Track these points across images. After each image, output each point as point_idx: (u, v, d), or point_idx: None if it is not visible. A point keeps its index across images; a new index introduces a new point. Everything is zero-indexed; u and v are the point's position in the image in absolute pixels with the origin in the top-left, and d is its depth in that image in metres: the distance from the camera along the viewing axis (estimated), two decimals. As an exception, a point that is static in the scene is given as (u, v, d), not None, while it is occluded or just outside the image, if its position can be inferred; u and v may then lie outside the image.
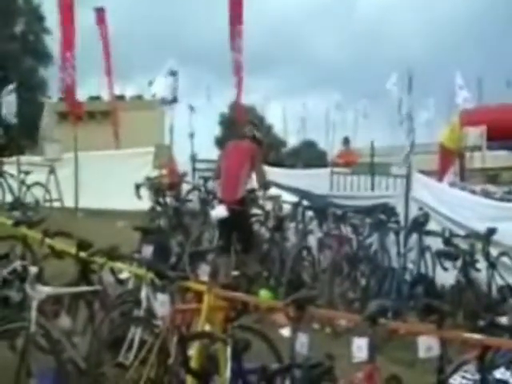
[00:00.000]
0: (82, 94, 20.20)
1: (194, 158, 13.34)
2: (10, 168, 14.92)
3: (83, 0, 15.95)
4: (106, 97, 19.48)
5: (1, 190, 14.23)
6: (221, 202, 8.70)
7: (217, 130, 36.21)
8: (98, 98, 25.50)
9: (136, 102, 34.62)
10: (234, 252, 8.67)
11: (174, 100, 14.77)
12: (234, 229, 8.53)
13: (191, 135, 14.07)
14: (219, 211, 8.54)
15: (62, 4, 15.02)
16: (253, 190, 9.18)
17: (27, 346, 5.14)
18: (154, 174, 12.28)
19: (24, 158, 16.31)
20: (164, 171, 12.57)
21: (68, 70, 15.25)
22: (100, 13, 16.38)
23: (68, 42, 15.14)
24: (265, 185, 9.07)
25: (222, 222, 8.58)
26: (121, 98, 26.23)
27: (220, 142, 33.60)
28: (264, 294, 7.98)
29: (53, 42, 28.79)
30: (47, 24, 31.82)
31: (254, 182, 8.96)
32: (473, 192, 11.89)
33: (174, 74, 14.88)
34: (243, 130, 9.32)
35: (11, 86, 16.45)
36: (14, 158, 15.80)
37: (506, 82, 22.08)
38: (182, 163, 13.41)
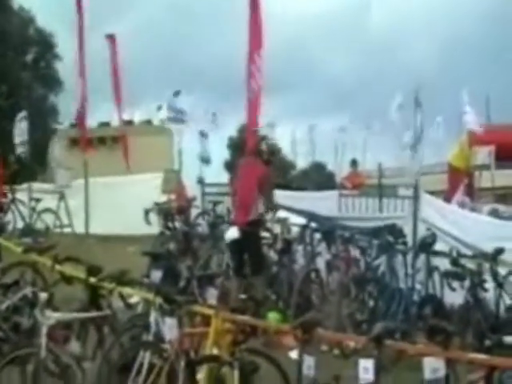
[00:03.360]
0: (92, 120, 20.34)
1: (201, 182, 13.40)
2: (21, 195, 15.08)
3: (95, 26, 16.15)
4: (115, 122, 19.54)
5: (12, 216, 14.33)
6: (233, 223, 8.78)
7: (226, 154, 36.31)
8: (107, 124, 25.60)
9: (145, 127, 34.80)
10: (243, 275, 8.71)
11: (181, 119, 14.90)
12: (245, 250, 8.57)
13: (206, 160, 14.17)
14: (231, 233, 8.63)
15: (74, 31, 15.23)
16: (261, 214, 9.22)
17: (37, 371, 5.21)
18: (163, 199, 12.34)
19: (35, 185, 16.45)
20: (173, 196, 12.64)
21: (79, 96, 15.42)
22: (111, 39, 16.50)
23: (80, 68, 15.31)
24: (273, 208, 9.10)
25: (234, 244, 8.65)
26: (130, 123, 26.37)
27: (229, 166, 33.69)
28: (272, 316, 7.96)
29: (63, 69, 29.19)
30: (58, 50, 32.26)
31: (261, 205, 9.01)
32: (480, 211, 11.88)
33: (177, 93, 15.05)
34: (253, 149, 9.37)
35: (23, 114, 16.67)
36: (25, 185, 15.96)
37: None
38: (191, 187, 13.48)
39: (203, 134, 14.44)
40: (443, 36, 67.37)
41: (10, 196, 14.16)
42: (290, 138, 23.46)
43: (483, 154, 15.41)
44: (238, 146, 29.37)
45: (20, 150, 16.10)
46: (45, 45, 33.37)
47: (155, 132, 29.98)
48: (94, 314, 6.10)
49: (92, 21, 15.71)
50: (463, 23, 65.07)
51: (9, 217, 13.83)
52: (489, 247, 8.76)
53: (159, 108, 16.62)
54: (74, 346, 5.62)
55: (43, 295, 5.55)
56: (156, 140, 27.48)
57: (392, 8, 69.27)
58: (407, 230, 9.48)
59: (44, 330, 5.24)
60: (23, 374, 5.61)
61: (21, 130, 16.20)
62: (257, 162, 8.98)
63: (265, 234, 9.52)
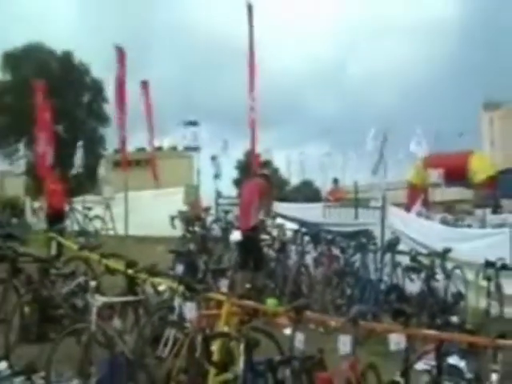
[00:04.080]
0: (131, 146, 20.39)
1: (219, 195, 13.37)
2: (77, 205, 15.14)
3: (133, 73, 16.18)
4: (148, 148, 19.56)
5: (70, 221, 14.38)
6: (237, 228, 8.75)
7: (235, 173, 36.31)
8: (143, 149, 25.71)
9: (171, 152, 34.95)
10: (248, 269, 8.65)
11: (196, 148, 14.93)
12: (248, 250, 8.54)
13: (216, 176, 14.13)
14: (234, 236, 8.63)
15: (117, 79, 15.31)
16: (262, 221, 9.18)
17: (89, 341, 5.19)
18: (185, 208, 12.32)
19: (87, 197, 16.53)
20: (192, 206, 12.61)
21: (119, 129, 15.47)
22: (145, 85, 16.56)
23: (122, 107, 15.38)
24: (270, 214, 9.07)
25: (239, 245, 8.62)
26: (159, 149, 26.42)
27: (237, 183, 33.68)
28: (270, 302, 7.92)
29: (110, 107, 29.37)
30: (106, 94, 32.47)
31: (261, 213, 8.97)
32: (433, 219, 11.86)
33: (194, 123, 15.08)
34: (255, 171, 9.37)
35: (79, 143, 16.76)
36: (80, 198, 16.01)
37: (457, 133, 22.24)
38: (207, 199, 13.47)
39: (214, 158, 14.43)
40: (402, 83, 67.66)
41: (68, 206, 14.19)
42: (285, 160, 23.38)
43: (435, 175, 15.40)
44: (244, 168, 29.41)
45: (76, 171, 16.19)
46: (97, 90, 33.64)
47: (179, 156, 30.10)
48: (131, 298, 6.05)
49: (130, 68, 15.73)
50: (418, 73, 65.47)
51: (68, 222, 13.84)
52: (439, 247, 8.77)
53: (183, 137, 16.67)
54: (117, 322, 5.59)
55: (93, 283, 5.53)
56: (179, 162, 27.59)
57: (364, 64, 69.87)
58: (377, 233, 9.46)
59: (94, 310, 5.23)
60: (78, 343, 5.59)
61: (78, 156, 16.28)
62: (255, 180, 8.89)
63: (265, 236, 9.48)
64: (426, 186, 16.09)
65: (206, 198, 13.55)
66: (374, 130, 13.70)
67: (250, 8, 10.98)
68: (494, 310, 8.27)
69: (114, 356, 5.28)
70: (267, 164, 9.45)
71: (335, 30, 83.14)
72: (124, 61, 15.29)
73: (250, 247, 8.45)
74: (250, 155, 12.19)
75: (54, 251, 9.21)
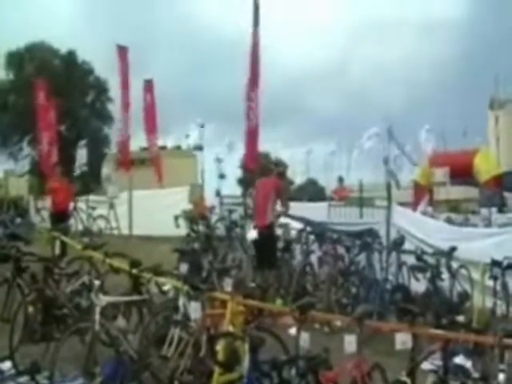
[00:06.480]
0: (135, 145, 20.35)
1: (218, 194, 13.36)
2: (81, 204, 15.18)
3: (136, 72, 16.16)
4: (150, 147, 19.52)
5: (74, 221, 14.42)
6: (255, 227, 8.77)
7: (239, 172, 36.22)
8: (146, 149, 25.72)
9: (175, 151, 34.93)
10: (252, 268, 8.66)
11: (201, 147, 15.00)
12: (263, 248, 8.51)
13: (221, 176, 14.14)
14: (251, 234, 8.64)
15: (121, 77, 15.32)
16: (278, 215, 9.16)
17: (93, 340, 5.19)
18: (189, 207, 12.32)
19: (91, 197, 16.57)
20: (197, 205, 12.61)
21: (123, 128, 15.47)
22: (148, 83, 16.47)
23: (125, 107, 15.38)
24: (288, 209, 9.06)
25: (255, 243, 8.63)
26: (163, 148, 26.38)
27: (241, 182, 33.61)
28: (279, 302, 7.97)
29: (113, 107, 29.42)
30: (110, 93, 32.53)
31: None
32: (438, 218, 11.82)
33: (202, 126, 15.18)
34: (267, 169, 9.37)
35: (83, 142, 16.78)
36: (84, 197, 16.05)
37: (462, 132, 22.22)
38: (211, 199, 13.47)
39: (218, 159, 14.46)
40: (407, 81, 67.45)
41: (72, 205, 14.23)
42: (290, 160, 23.39)
43: (440, 174, 15.36)
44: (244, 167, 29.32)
45: (79, 170, 16.20)
46: (100, 89, 33.70)
47: (183, 155, 30.04)
48: (135, 297, 6.06)
49: (134, 67, 15.72)
50: (423, 70, 65.20)
51: (72, 221, 13.87)
52: (445, 246, 8.74)
53: (187, 136, 16.68)
54: (121, 322, 5.59)
55: (97, 282, 5.53)
56: (184, 161, 27.53)
57: (369, 62, 69.56)
58: (382, 233, 9.43)
59: (98, 309, 5.22)
60: (82, 342, 5.60)
61: (81, 155, 16.29)
62: (271, 178, 8.93)
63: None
64: (431, 185, 16.04)
65: (210, 198, 13.55)
66: (376, 128, 13.81)
67: (256, 7, 10.92)
68: (500, 309, 8.24)
69: (118, 355, 5.28)
70: (279, 164, 9.42)
71: (340, 27, 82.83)
72: (126, 59, 15.29)
73: (267, 245, 8.47)
74: (246, 155, 11.91)
75: (57, 250, 9.22)
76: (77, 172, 16.16)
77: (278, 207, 8.90)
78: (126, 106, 15.36)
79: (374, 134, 13.05)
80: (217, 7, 74.20)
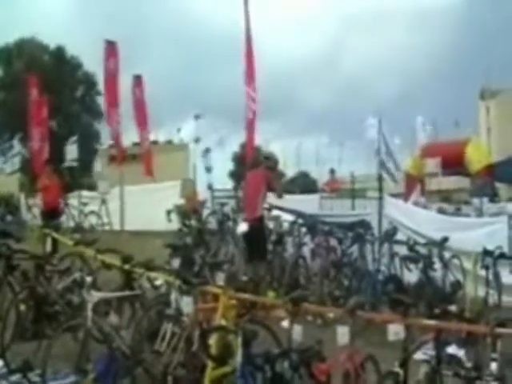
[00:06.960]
0: (127, 140, 20.20)
1: (210, 187, 13.32)
2: (72, 200, 15.09)
3: (127, 67, 16.02)
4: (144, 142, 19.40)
5: (66, 217, 14.34)
6: (244, 220, 8.74)
7: (230, 166, 36.18)
8: (138, 144, 25.63)
9: (167, 146, 34.83)
10: (244, 261, 8.64)
11: (198, 139, 14.92)
12: (254, 240, 8.50)
13: (208, 169, 14.08)
14: (241, 227, 8.60)
15: (108, 73, 15.17)
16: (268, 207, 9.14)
17: (86, 337, 5.15)
18: (181, 202, 12.29)
19: (83, 193, 16.47)
20: (188, 199, 12.56)
21: (114, 123, 15.34)
22: (137, 79, 16.34)
23: (113, 102, 15.25)
24: (282, 197, 9.04)
25: (245, 236, 8.59)
26: (155, 142, 26.26)
27: (233, 175, 33.59)
28: (271, 294, 7.96)
29: (104, 102, 29.15)
30: (99, 88, 32.25)
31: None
32: (430, 209, 11.84)
33: (198, 117, 15.05)
34: (257, 161, 9.34)
35: (74, 138, 16.66)
36: (75, 193, 15.96)
37: (454, 122, 22.28)
38: (203, 193, 13.43)
39: (207, 150, 14.36)
40: (399, 72, 67.53)
41: (63, 201, 14.14)
42: (281, 152, 23.42)
43: (432, 164, 15.36)
44: (239, 160, 29.33)
45: (70, 166, 16.09)
46: (90, 84, 33.46)
47: (175, 149, 29.97)
48: (127, 293, 6.01)
49: (125, 62, 15.57)
50: (414, 61, 65.29)
51: (63, 217, 13.80)
52: (437, 236, 8.76)
53: (179, 130, 16.64)
54: (113, 318, 5.55)
55: (89, 278, 5.48)
56: (175, 156, 27.47)
57: (360, 54, 69.56)
58: (374, 224, 9.45)
59: (90, 306, 5.19)
60: (75, 339, 5.57)
61: (72, 150, 16.16)
62: (260, 170, 8.87)
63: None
64: (422, 176, 16.07)
65: (202, 192, 13.52)
66: (367, 120, 13.78)
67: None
68: (493, 298, 8.28)
69: (111, 351, 5.25)
70: (269, 158, 9.39)
71: (331, 18, 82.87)
72: (116, 54, 15.15)
73: (257, 237, 8.44)
74: (245, 147, 12.06)
75: (49, 247, 9.17)
76: (65, 165, 16.00)
77: (270, 199, 8.88)
78: (114, 101, 15.19)
79: (370, 125, 13.00)
80: (209, 1, 73.91)
